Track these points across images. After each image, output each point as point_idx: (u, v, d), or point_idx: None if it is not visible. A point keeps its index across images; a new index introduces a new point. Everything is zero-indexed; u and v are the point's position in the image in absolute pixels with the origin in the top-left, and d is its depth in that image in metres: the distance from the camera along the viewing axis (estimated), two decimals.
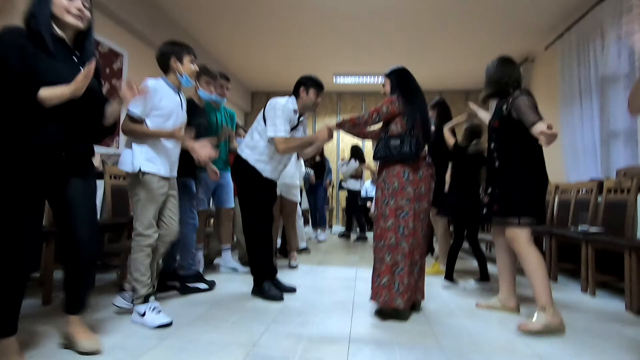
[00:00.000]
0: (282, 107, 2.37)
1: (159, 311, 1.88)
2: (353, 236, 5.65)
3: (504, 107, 2.09)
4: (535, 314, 1.92)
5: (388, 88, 2.24)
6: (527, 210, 2.02)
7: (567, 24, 4.62)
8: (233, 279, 2.91)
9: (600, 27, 4.07)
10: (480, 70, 7.35)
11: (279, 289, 2.47)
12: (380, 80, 7.19)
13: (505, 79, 2.13)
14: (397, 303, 1.99)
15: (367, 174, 6.48)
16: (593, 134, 4.17)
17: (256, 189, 2.45)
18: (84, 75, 1.34)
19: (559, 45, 4.90)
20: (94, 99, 1.52)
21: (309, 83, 2.46)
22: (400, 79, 2.22)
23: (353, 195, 5.62)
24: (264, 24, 5.03)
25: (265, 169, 2.44)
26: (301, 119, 2.54)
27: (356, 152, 5.66)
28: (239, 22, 5.00)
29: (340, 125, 2.29)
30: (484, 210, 2.20)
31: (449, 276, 2.80)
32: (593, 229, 2.81)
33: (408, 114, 2.10)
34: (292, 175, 3.54)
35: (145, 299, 1.90)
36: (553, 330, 1.88)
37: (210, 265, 3.16)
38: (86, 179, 1.55)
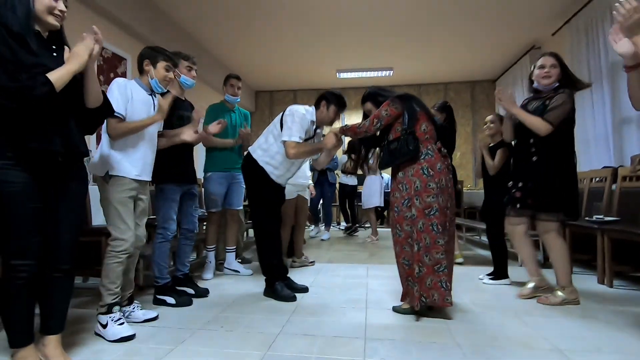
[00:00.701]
0: (300, 116, 2.37)
1: (122, 323, 1.78)
2: (361, 231, 5.63)
3: (547, 102, 2.15)
4: (555, 291, 2.25)
5: (373, 107, 2.20)
6: (565, 206, 2.15)
7: (574, 9, 4.52)
8: (244, 280, 2.91)
9: (609, 10, 3.96)
10: (486, 60, 7.25)
11: (291, 288, 2.46)
12: (384, 74, 7.14)
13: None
14: (447, 301, 1.94)
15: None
16: (605, 120, 4.09)
17: (264, 186, 2.45)
18: (85, 46, 1.37)
19: (566, 31, 4.80)
20: (80, 90, 1.48)
21: (331, 100, 2.44)
22: (379, 92, 2.22)
23: (342, 190, 5.77)
24: (265, 23, 5.00)
25: (273, 173, 2.43)
26: (317, 130, 2.52)
27: (351, 148, 5.61)
28: (241, 22, 4.97)
29: (343, 132, 2.27)
30: (517, 205, 2.25)
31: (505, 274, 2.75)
32: (608, 219, 2.75)
33: (406, 111, 2.06)
34: (308, 176, 3.54)
35: (109, 309, 1.79)
36: (570, 303, 2.20)
37: (220, 267, 3.16)
38: (77, 181, 1.50)
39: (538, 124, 2.11)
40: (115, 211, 1.82)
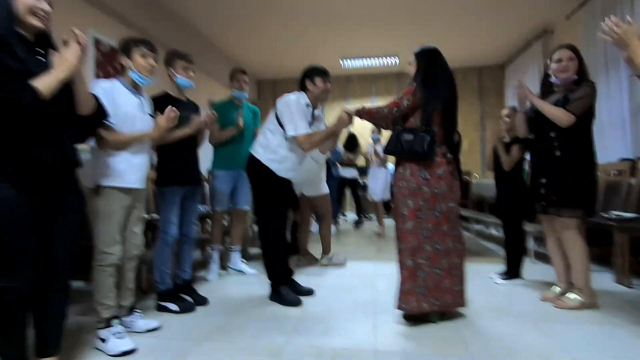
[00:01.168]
0: (295, 103, 2.26)
1: (123, 336, 1.71)
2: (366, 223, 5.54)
3: (569, 94, 2.08)
4: (572, 294, 2.15)
5: (413, 69, 2.06)
6: (588, 202, 2.09)
7: None
8: (249, 281, 2.85)
9: None
10: (494, 44, 7.02)
11: (296, 292, 2.40)
12: (389, 62, 6.94)
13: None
14: (423, 307, 1.91)
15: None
16: (622, 109, 3.91)
17: (267, 180, 2.35)
18: (74, 51, 1.28)
19: (581, 14, 4.58)
20: (70, 96, 1.38)
21: (312, 73, 2.36)
22: (427, 62, 2.02)
23: (340, 182, 5.48)
24: (266, 11, 4.83)
25: (279, 169, 2.33)
26: (316, 112, 2.42)
27: (349, 140, 5.48)
28: (241, 10, 4.81)
29: (359, 114, 2.15)
30: (543, 202, 2.17)
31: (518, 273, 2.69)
32: (627, 215, 2.64)
33: (426, 106, 1.94)
34: (309, 170, 3.39)
35: (108, 323, 1.72)
36: (588, 308, 2.11)
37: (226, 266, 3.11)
38: (72, 197, 1.41)
39: (560, 115, 2.04)
40: (103, 224, 1.72)
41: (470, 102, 7.46)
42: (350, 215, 7.02)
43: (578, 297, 2.13)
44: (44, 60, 1.33)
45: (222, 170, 2.89)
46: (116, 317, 1.76)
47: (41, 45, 1.36)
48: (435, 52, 2.05)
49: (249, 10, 4.81)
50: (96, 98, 1.52)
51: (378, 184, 5.08)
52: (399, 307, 1.94)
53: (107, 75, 3.89)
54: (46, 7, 1.31)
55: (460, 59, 6.91)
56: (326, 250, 3.37)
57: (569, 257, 2.17)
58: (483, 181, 5.56)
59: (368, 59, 6.74)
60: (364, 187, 6.53)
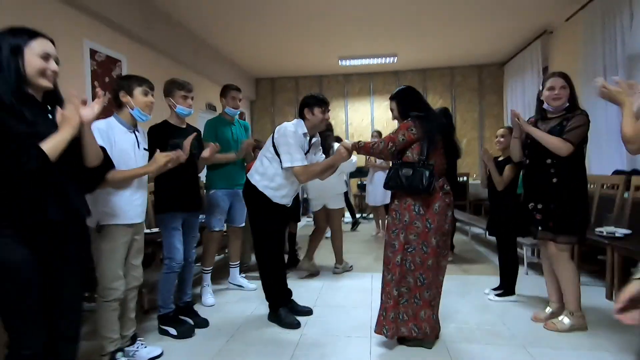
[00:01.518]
0: (292, 134, 2.28)
1: None
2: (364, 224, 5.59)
3: (565, 122, 2.13)
4: (563, 316, 2.22)
5: (397, 112, 2.13)
6: (583, 230, 2.16)
7: None
8: (248, 297, 2.90)
9: None
10: (494, 43, 6.93)
11: (295, 312, 2.46)
12: (388, 60, 6.88)
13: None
14: (401, 332, 1.99)
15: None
16: (619, 117, 3.91)
17: (264, 210, 2.38)
18: (74, 108, 1.29)
19: (581, 17, 4.54)
20: (76, 149, 1.40)
21: (311, 102, 2.36)
22: (409, 100, 2.10)
23: None
24: (264, 9, 4.76)
25: (275, 195, 2.37)
26: (313, 141, 2.45)
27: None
28: (238, 9, 4.74)
29: (356, 148, 2.19)
30: (539, 227, 2.22)
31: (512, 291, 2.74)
32: (619, 232, 2.68)
33: (425, 139, 1.97)
34: (335, 185, 3.43)
35: (112, 357, 1.78)
36: (577, 330, 2.17)
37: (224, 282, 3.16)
38: (78, 243, 1.42)
39: (559, 144, 2.08)
40: (106, 261, 1.77)
41: (469, 101, 7.44)
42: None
43: (568, 320, 2.19)
44: (52, 117, 1.35)
45: (218, 190, 2.89)
46: (120, 349, 1.82)
47: (49, 101, 1.37)
48: (410, 88, 2.16)
49: (246, 10, 4.74)
50: (103, 150, 1.55)
51: (378, 189, 5.11)
52: (380, 333, 2.00)
53: (103, 86, 3.88)
54: (55, 67, 1.32)
55: (460, 57, 6.86)
56: (339, 260, 3.61)
57: (560, 281, 2.23)
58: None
59: (367, 58, 6.67)
60: (362, 187, 6.59)
